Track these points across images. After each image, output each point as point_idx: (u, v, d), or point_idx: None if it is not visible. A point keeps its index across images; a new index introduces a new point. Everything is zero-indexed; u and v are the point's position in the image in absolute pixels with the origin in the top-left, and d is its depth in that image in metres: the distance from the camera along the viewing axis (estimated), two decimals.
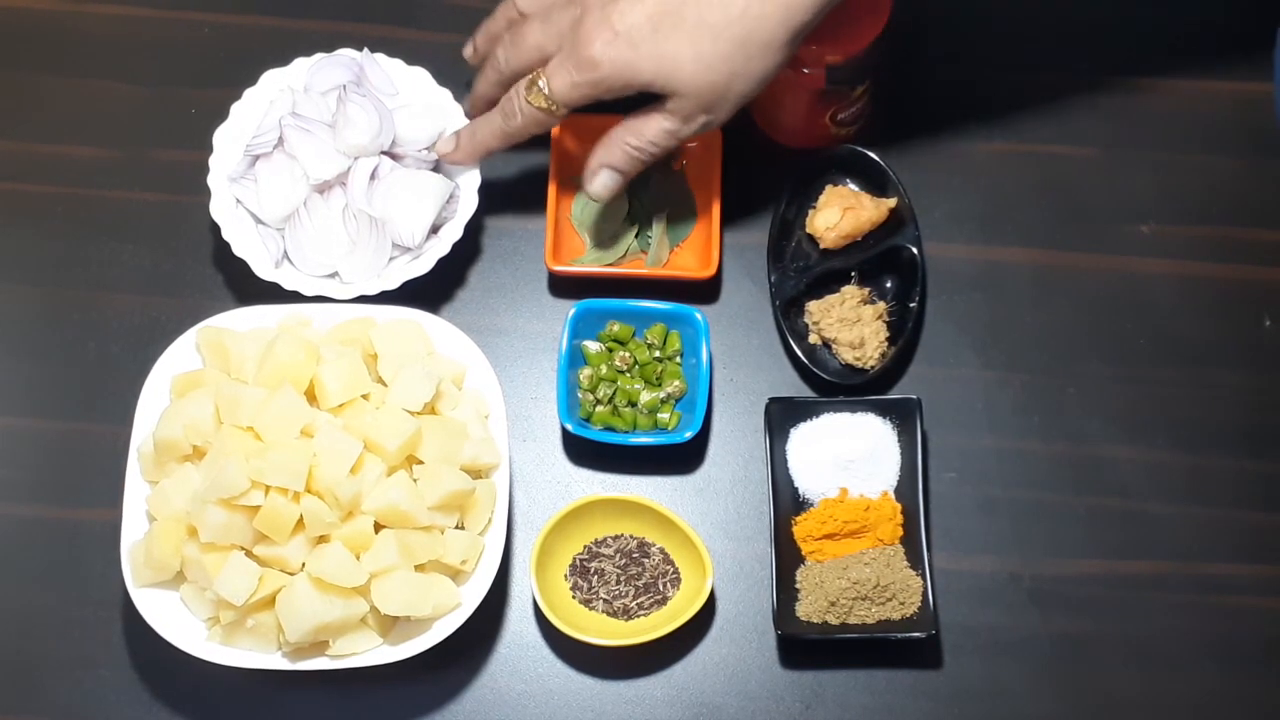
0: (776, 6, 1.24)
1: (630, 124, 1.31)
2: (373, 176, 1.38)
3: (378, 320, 1.31)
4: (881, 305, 1.38)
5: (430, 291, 1.39)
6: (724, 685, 1.31)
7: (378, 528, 1.23)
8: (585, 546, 1.33)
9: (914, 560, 1.30)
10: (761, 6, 1.24)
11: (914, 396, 1.34)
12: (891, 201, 1.39)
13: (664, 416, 1.36)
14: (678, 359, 1.37)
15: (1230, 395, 1.38)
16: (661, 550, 1.33)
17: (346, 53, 1.43)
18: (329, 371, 1.25)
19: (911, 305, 1.37)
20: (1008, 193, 1.44)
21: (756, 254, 1.40)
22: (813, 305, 1.38)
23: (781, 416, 1.34)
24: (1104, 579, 1.33)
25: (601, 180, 1.34)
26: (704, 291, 1.41)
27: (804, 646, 1.31)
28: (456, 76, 1.44)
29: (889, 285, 1.40)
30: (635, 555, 1.32)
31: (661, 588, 1.32)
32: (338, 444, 1.22)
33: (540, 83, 1.30)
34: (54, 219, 1.44)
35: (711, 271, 1.38)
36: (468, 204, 1.39)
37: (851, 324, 1.36)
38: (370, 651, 1.24)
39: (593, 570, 1.32)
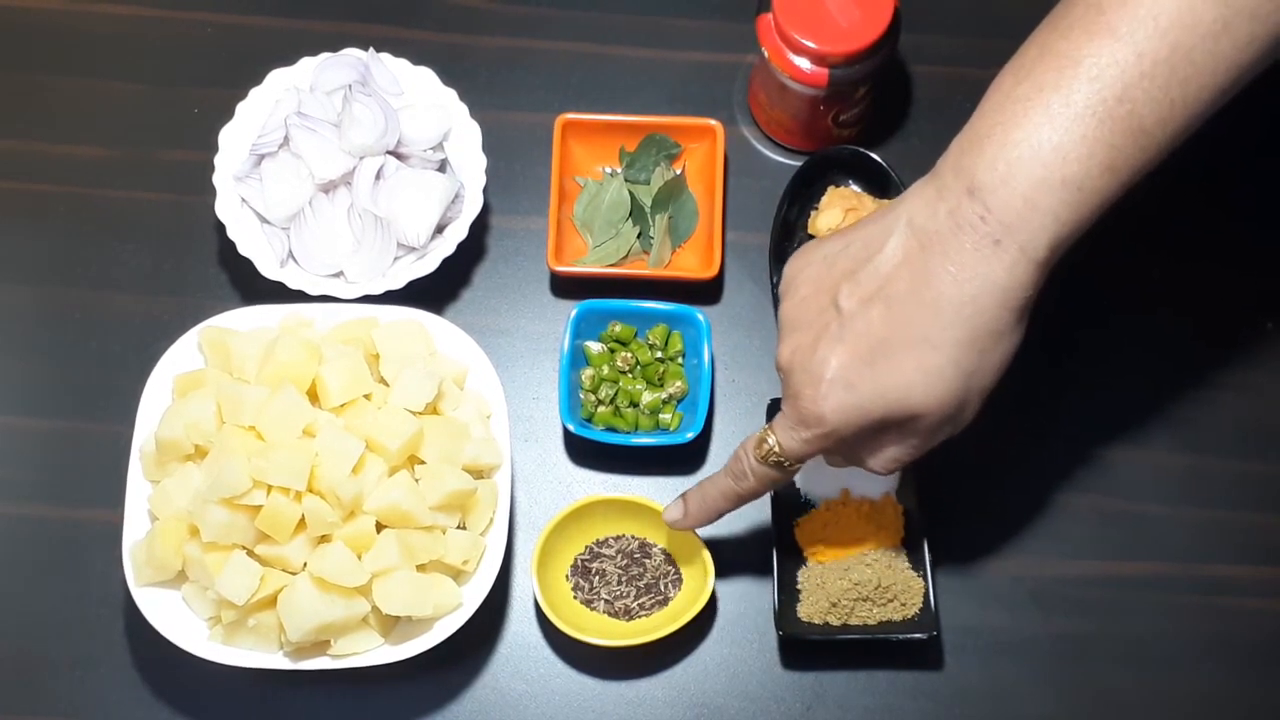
0: (991, 295, 1.07)
1: (868, 446, 1.16)
2: (378, 176, 1.38)
3: (379, 320, 1.31)
4: None
5: (434, 291, 1.39)
6: (725, 686, 1.31)
7: (379, 527, 1.24)
8: (586, 547, 1.33)
9: (915, 561, 1.30)
10: (975, 301, 1.07)
11: None
12: None
13: (665, 417, 1.36)
14: (679, 360, 1.38)
15: (1230, 396, 1.38)
16: (663, 551, 1.33)
17: (352, 52, 1.44)
18: (330, 371, 1.25)
19: None
20: None
21: (758, 255, 1.41)
22: None
23: None
24: (1105, 580, 1.33)
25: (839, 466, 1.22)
26: (706, 292, 1.41)
27: (805, 647, 1.32)
28: (462, 76, 1.45)
29: None
30: (636, 556, 1.33)
31: (663, 588, 1.32)
32: (339, 444, 1.22)
33: (770, 440, 1.16)
34: (57, 218, 1.44)
35: (713, 272, 1.38)
36: (472, 204, 1.39)
37: None
38: (371, 651, 1.24)
39: (594, 570, 1.32)
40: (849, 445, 1.15)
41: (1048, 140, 1.05)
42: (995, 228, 1.07)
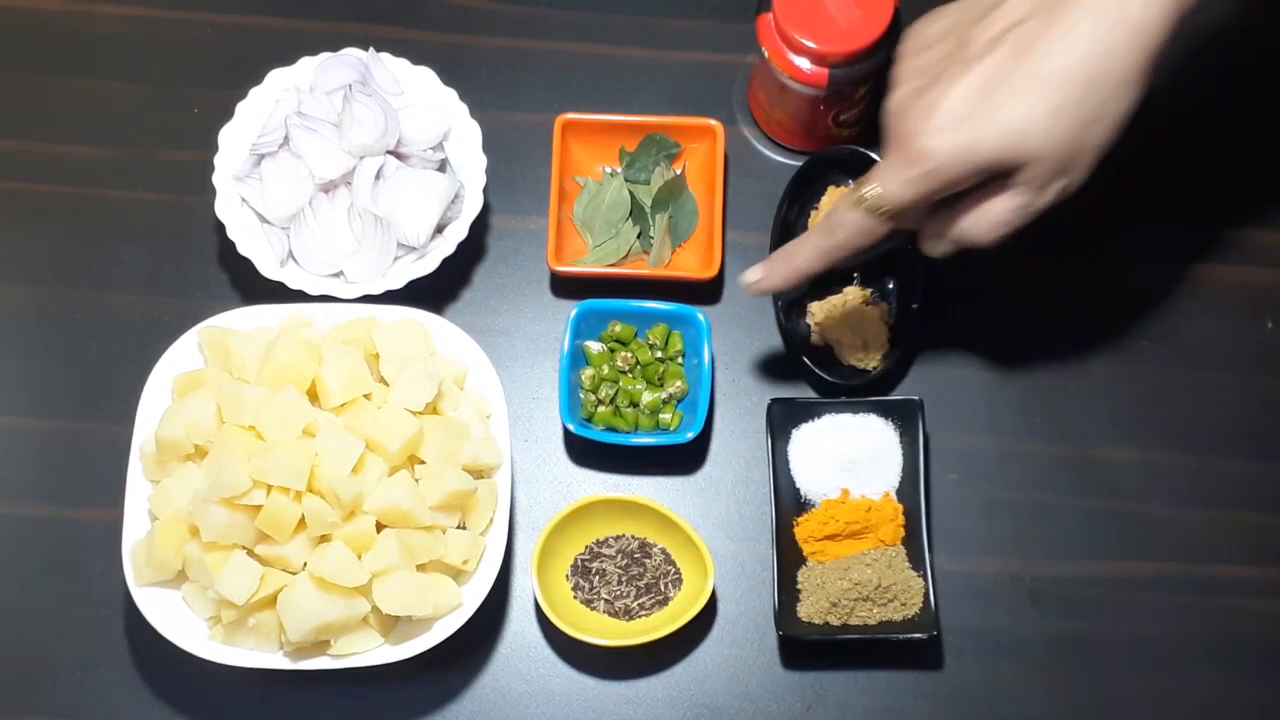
0: (1126, 34, 1.06)
1: (971, 208, 1.15)
2: (378, 176, 1.38)
3: (379, 320, 1.31)
4: (884, 306, 1.38)
5: (434, 291, 1.39)
6: (725, 686, 1.31)
7: (379, 527, 1.24)
8: (587, 547, 1.33)
9: (915, 561, 1.30)
10: (1109, 39, 1.06)
11: (916, 398, 1.34)
12: None
13: (666, 417, 1.36)
14: (679, 359, 1.38)
15: (1231, 396, 1.38)
16: (663, 551, 1.33)
17: (352, 52, 1.43)
18: (330, 371, 1.25)
19: (914, 306, 1.37)
20: None
21: (759, 255, 1.40)
22: (815, 306, 1.38)
23: (783, 417, 1.34)
24: (1105, 580, 1.33)
25: (939, 249, 1.21)
26: (706, 292, 1.41)
27: (805, 647, 1.32)
28: (462, 76, 1.45)
29: (891, 286, 1.40)
30: (637, 555, 1.32)
31: (663, 588, 1.32)
32: (339, 444, 1.22)
33: (867, 189, 1.15)
34: (57, 218, 1.44)
35: (713, 272, 1.38)
36: (472, 204, 1.39)
37: (854, 325, 1.36)
38: (371, 651, 1.24)
39: (594, 570, 1.32)
40: (953, 192, 1.13)
41: None
42: None
